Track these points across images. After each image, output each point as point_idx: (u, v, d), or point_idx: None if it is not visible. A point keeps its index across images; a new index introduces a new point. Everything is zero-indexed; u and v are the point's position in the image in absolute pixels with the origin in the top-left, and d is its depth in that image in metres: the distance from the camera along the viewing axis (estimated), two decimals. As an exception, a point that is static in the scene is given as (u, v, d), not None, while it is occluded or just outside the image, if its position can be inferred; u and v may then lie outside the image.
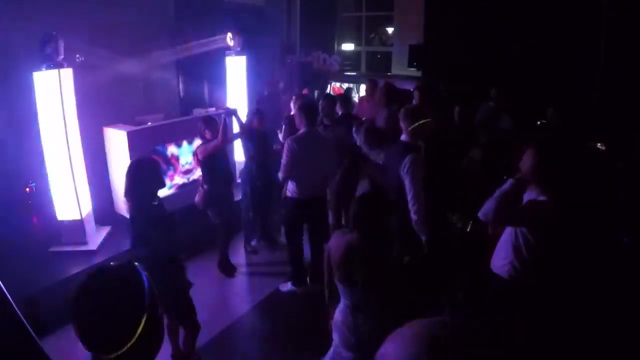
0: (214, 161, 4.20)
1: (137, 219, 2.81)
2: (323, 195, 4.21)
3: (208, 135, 4.18)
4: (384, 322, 2.13)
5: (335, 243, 2.29)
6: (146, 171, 2.81)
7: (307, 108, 3.98)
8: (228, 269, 4.55)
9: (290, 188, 4.01)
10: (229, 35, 5.82)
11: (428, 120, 3.32)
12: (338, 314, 2.32)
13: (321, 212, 4.20)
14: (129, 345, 1.01)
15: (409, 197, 3.14)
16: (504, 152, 3.54)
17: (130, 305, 1.04)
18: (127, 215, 2.94)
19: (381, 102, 5.45)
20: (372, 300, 2.21)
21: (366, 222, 2.22)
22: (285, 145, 3.88)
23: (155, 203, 2.84)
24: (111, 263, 1.19)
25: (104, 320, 1.02)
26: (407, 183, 3.14)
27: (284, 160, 3.87)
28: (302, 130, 3.93)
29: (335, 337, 2.32)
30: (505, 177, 2.60)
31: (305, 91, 6.62)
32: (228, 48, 5.94)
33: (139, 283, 1.08)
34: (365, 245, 2.18)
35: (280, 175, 3.96)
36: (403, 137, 3.36)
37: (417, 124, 3.28)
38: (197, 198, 4.30)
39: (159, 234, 2.72)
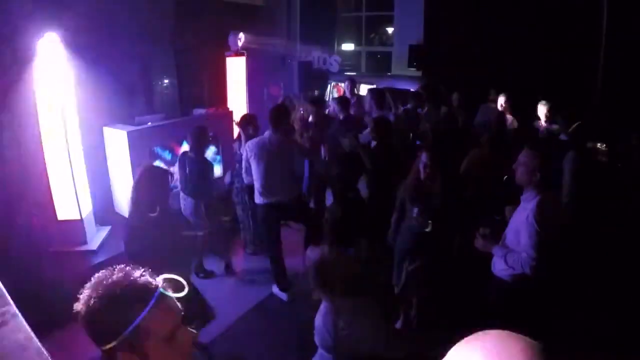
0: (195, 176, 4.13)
1: (131, 223, 2.70)
2: (293, 200, 4.04)
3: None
4: (363, 328, 2.15)
5: (312, 257, 2.27)
6: (153, 180, 2.69)
7: (274, 111, 3.85)
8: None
9: (257, 192, 3.96)
10: (240, 35, 5.81)
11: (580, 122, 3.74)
12: (319, 316, 2.29)
13: (297, 212, 4.15)
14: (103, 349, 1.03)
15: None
16: (505, 152, 3.54)
17: (105, 326, 1.02)
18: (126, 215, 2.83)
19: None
20: (351, 306, 2.20)
21: (339, 237, 2.23)
22: (244, 148, 3.85)
23: (155, 214, 2.66)
24: (141, 278, 1.07)
25: (86, 317, 1.04)
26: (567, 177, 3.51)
27: (243, 163, 3.85)
28: (265, 134, 3.86)
29: (316, 339, 2.30)
30: (505, 177, 2.60)
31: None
32: (230, 48, 5.94)
33: (130, 312, 1.02)
34: (341, 259, 2.18)
35: (244, 177, 3.93)
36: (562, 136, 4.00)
37: (575, 124, 3.68)
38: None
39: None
